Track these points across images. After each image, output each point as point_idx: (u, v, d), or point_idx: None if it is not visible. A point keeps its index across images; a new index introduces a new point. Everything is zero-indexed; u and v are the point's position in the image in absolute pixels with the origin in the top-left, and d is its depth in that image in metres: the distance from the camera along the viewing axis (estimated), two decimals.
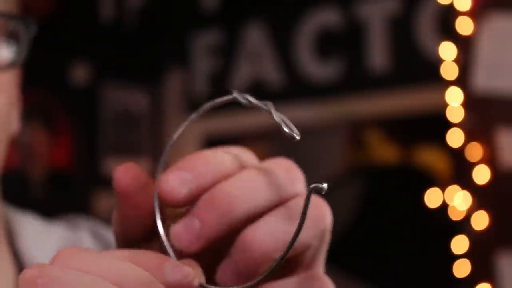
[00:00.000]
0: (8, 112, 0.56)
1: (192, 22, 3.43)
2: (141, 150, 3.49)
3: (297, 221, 0.33)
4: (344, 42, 2.95)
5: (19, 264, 0.56)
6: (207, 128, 3.22)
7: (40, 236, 0.59)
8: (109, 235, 0.62)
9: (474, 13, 1.71)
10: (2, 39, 0.55)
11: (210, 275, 0.35)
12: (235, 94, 0.35)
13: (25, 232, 0.59)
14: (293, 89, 3.11)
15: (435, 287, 2.32)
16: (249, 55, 3.24)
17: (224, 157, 0.36)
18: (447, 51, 1.75)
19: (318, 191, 0.32)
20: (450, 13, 1.77)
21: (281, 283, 0.37)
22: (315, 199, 0.36)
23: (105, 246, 0.60)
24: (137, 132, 3.50)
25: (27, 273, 0.29)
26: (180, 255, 0.34)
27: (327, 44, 2.99)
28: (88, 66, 3.26)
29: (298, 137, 0.34)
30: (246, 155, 0.38)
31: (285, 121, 0.35)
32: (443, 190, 1.87)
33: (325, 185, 0.31)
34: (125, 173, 0.34)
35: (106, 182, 3.30)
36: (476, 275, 1.68)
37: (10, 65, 0.55)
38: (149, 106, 3.57)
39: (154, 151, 3.56)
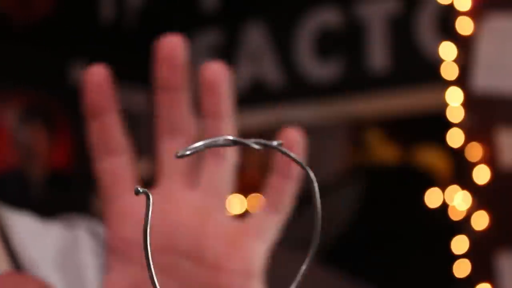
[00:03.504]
0: None
1: (192, 22, 3.43)
2: (140, 150, 3.48)
3: None
4: (344, 42, 2.95)
5: (16, 264, 0.56)
6: None
7: (36, 236, 0.59)
8: None
9: (474, 13, 1.71)
10: None
11: None
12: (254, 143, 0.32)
13: (21, 232, 0.58)
14: (293, 89, 3.11)
15: (435, 287, 2.32)
16: (249, 55, 3.24)
17: None
18: (447, 51, 1.75)
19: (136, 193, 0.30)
20: (450, 13, 1.77)
21: None
22: None
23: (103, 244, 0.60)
24: (137, 132, 3.50)
25: None
26: None
27: (327, 44, 2.99)
28: (88, 66, 3.26)
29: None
30: None
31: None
32: (443, 190, 1.87)
33: (139, 189, 0.30)
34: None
35: None
36: (476, 275, 1.68)
37: None
38: (149, 106, 3.57)
39: (154, 151, 3.55)
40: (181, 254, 0.45)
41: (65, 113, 3.21)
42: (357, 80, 2.91)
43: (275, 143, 0.32)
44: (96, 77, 0.48)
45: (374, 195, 2.81)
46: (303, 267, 0.34)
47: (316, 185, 0.32)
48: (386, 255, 2.58)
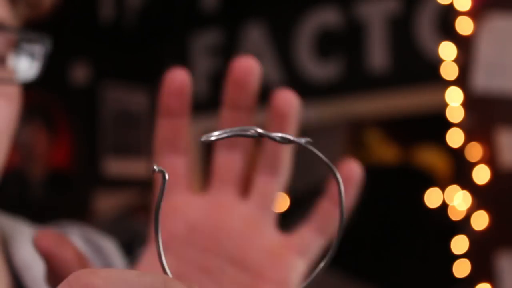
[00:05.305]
0: (14, 125, 0.55)
1: (192, 22, 3.43)
2: (140, 150, 3.49)
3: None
4: (344, 42, 2.95)
5: (12, 270, 0.56)
6: (207, 126, 3.22)
7: (37, 254, 0.59)
8: (101, 241, 0.62)
9: (474, 13, 1.71)
10: (12, 53, 0.54)
11: None
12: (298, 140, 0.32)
13: (17, 238, 0.58)
14: (293, 89, 3.11)
15: (435, 287, 2.32)
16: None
17: None
18: (447, 51, 1.75)
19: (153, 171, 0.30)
20: (450, 13, 1.77)
21: None
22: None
23: (97, 252, 0.61)
24: (136, 132, 3.50)
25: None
26: None
27: (327, 44, 2.99)
28: (88, 66, 3.26)
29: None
30: None
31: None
32: (443, 190, 1.87)
33: (155, 167, 0.30)
34: (44, 238, 0.41)
35: (105, 182, 3.31)
36: (476, 275, 1.68)
37: (19, 79, 0.54)
38: (149, 106, 3.57)
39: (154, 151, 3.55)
40: (226, 259, 0.47)
41: (65, 113, 3.21)
42: (357, 80, 2.91)
43: (303, 140, 0.32)
44: (178, 81, 0.50)
45: (374, 195, 2.81)
46: (323, 262, 0.35)
47: (342, 186, 0.33)
48: (386, 255, 2.58)
